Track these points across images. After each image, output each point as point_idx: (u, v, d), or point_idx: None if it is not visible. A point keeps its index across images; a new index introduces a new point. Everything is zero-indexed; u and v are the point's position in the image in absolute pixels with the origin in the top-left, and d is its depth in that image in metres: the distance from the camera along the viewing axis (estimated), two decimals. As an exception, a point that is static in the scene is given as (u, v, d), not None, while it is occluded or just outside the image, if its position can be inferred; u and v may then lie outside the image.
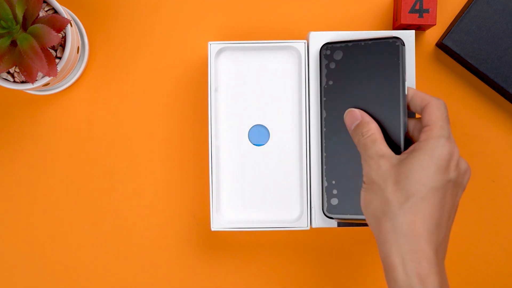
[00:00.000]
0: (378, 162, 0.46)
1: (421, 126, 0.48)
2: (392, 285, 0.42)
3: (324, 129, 0.52)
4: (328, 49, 0.52)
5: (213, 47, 0.54)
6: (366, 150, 0.47)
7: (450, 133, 0.46)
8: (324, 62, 0.52)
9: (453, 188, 0.44)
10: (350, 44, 0.51)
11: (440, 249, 0.43)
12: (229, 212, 0.55)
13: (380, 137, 0.48)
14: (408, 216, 0.43)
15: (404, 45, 0.50)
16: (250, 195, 0.55)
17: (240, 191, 0.55)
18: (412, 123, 0.49)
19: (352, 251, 0.59)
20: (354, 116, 0.49)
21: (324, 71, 0.52)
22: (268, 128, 0.55)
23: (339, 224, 0.53)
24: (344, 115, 0.51)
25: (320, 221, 0.54)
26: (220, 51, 0.55)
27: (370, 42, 0.51)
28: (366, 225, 0.53)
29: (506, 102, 0.59)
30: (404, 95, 0.50)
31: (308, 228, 0.54)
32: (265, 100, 0.55)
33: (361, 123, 0.49)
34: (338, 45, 0.52)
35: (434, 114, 0.46)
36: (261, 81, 0.55)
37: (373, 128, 0.48)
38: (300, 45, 0.54)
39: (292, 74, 0.55)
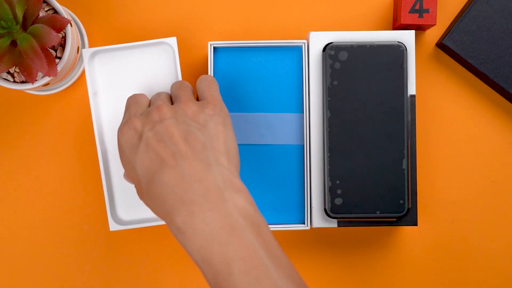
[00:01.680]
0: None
1: None
2: None
3: (328, 129, 0.52)
4: (332, 49, 0.52)
5: (213, 47, 0.54)
6: None
7: (129, 117, 0.46)
8: (329, 62, 0.52)
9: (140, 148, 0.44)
10: (355, 45, 0.52)
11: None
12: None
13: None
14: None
15: (406, 50, 0.52)
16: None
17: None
18: None
19: (352, 251, 0.59)
20: None
21: (329, 71, 0.52)
22: None
23: (339, 224, 0.53)
24: None
25: (320, 221, 0.54)
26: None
27: (375, 44, 0.52)
28: (367, 224, 0.53)
29: (506, 102, 0.59)
30: (407, 97, 0.52)
31: (308, 228, 0.54)
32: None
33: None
34: (343, 46, 0.52)
35: None
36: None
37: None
38: (300, 45, 0.54)
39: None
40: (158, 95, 0.48)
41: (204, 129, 0.45)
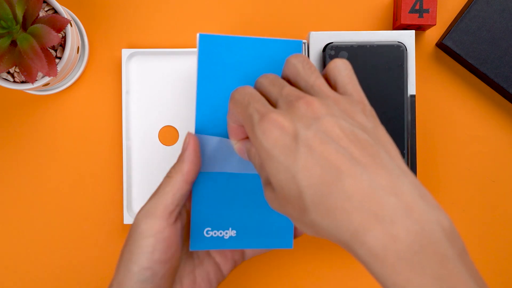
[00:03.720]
0: None
1: None
2: None
3: None
4: (332, 49, 0.52)
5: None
6: None
7: (264, 114, 0.37)
8: (329, 62, 0.52)
9: (300, 145, 0.35)
10: (355, 45, 0.52)
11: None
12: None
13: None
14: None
15: (406, 50, 0.52)
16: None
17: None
18: None
19: (352, 251, 0.59)
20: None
21: None
22: None
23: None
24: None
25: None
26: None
27: (375, 44, 0.52)
28: None
29: (506, 102, 0.59)
30: (407, 97, 0.52)
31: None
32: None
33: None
34: (343, 46, 0.52)
35: None
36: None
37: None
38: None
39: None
40: (272, 81, 0.40)
41: (366, 129, 0.37)
